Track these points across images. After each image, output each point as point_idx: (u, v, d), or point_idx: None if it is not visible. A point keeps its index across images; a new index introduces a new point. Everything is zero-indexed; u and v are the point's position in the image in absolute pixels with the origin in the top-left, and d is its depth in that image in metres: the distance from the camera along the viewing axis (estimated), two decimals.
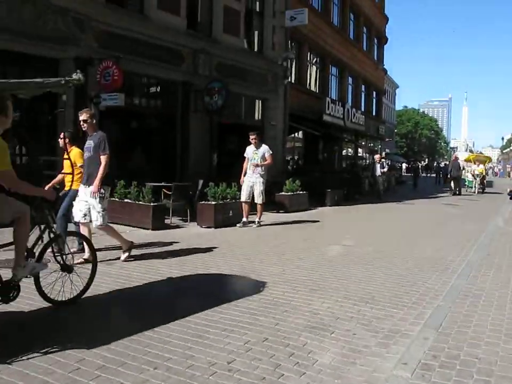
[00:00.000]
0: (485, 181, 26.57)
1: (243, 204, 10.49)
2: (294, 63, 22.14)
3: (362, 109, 31.26)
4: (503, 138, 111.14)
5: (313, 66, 24.19)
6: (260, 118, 17.64)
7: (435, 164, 58.61)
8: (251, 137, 10.47)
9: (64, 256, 4.60)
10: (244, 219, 10.42)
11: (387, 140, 41.52)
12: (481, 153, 73.19)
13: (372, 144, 34.70)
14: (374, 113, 34.61)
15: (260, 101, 17.53)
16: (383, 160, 20.38)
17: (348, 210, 15.14)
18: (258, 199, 10.49)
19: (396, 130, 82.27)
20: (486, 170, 29.31)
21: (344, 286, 5.59)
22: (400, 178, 30.74)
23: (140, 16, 12.65)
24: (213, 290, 5.33)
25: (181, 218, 10.99)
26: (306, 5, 19.64)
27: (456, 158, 26.73)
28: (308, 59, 23.30)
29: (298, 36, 21.42)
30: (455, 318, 4.49)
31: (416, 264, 6.99)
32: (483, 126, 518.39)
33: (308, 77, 23.44)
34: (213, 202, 10.30)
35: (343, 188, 17.03)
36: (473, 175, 25.81)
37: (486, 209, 16.95)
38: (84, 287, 4.73)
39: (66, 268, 4.58)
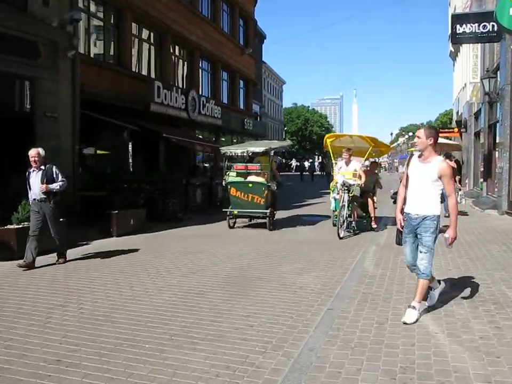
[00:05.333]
0: (373, 201, 11.52)
1: None
2: (113, 36, 16.67)
3: (225, 101, 26.41)
4: (392, 134, 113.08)
5: (145, 43, 18.75)
6: (28, 106, 11.85)
7: (298, 163, 56.41)
8: None
9: None
10: None
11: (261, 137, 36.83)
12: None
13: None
14: (242, 106, 29.85)
15: (27, 82, 11.75)
16: None
17: (135, 245, 9.50)
18: None
19: (286, 128, 79.32)
20: (368, 170, 12.27)
21: None
22: None
23: None
24: None
25: None
26: None
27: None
28: (134, 32, 17.80)
29: None
30: None
31: None
32: (373, 122, 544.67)
33: (136, 56, 17.99)
34: None
35: (150, 205, 11.80)
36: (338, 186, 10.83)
37: None
38: None
39: None
